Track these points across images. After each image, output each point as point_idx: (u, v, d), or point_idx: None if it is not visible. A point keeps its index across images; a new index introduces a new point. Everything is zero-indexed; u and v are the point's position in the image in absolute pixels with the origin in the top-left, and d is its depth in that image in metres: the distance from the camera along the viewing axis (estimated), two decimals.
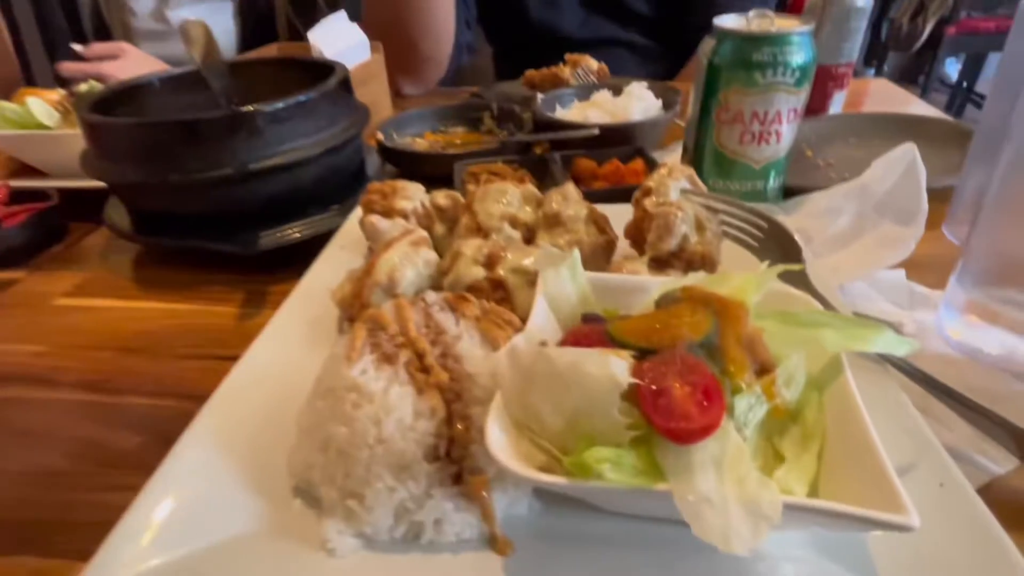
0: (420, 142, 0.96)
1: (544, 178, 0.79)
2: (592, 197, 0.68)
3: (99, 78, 1.32)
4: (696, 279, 0.39)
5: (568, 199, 0.54)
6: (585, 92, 0.95)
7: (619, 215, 0.57)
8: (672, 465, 0.27)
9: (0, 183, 0.82)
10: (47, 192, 0.82)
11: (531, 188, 0.57)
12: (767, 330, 0.33)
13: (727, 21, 0.62)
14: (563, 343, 0.35)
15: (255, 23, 1.57)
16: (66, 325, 0.61)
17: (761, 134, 0.61)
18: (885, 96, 1.19)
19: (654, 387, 0.28)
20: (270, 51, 1.10)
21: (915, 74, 4.47)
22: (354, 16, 1.36)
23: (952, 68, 4.39)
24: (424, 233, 0.51)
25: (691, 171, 0.54)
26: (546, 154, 0.79)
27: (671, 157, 0.85)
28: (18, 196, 0.82)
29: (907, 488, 0.29)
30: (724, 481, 0.26)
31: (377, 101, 1.08)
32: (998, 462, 0.39)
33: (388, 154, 0.86)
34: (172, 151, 0.62)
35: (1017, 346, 0.47)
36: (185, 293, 0.65)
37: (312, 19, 1.61)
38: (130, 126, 0.63)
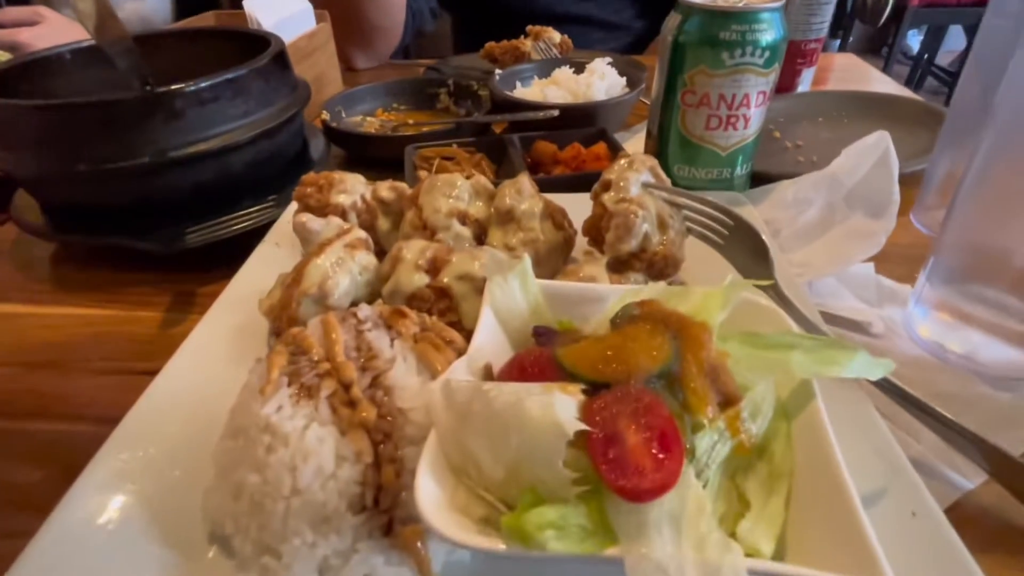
0: (371, 121, 0.89)
1: (502, 162, 0.74)
2: (550, 185, 0.64)
3: (14, 47, 1.20)
4: (656, 291, 0.35)
5: (522, 193, 0.50)
6: (546, 68, 0.89)
7: (579, 205, 0.53)
8: (624, 524, 0.23)
9: None
10: None
11: (482, 180, 0.52)
12: (732, 354, 0.30)
13: None
14: (508, 369, 0.31)
15: None
16: None
17: (728, 119, 0.57)
18: (852, 71, 1.16)
19: (604, 435, 0.24)
20: (206, 20, 1.00)
21: (878, 45, 4.50)
22: None
23: (914, 40, 4.43)
24: (361, 234, 0.46)
25: (653, 162, 0.50)
26: (504, 136, 0.74)
27: (636, 139, 0.81)
28: None
29: (879, 517, 0.27)
30: (682, 543, 0.23)
31: (324, 75, 1.01)
32: (967, 476, 0.38)
33: (334, 136, 0.79)
34: (79, 138, 0.55)
35: (986, 346, 0.46)
36: (103, 296, 0.59)
37: None
38: (28, 109, 0.55)
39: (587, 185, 0.65)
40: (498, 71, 0.87)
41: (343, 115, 0.88)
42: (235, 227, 0.60)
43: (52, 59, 0.70)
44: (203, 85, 0.58)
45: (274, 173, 0.67)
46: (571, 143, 0.74)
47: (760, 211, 0.58)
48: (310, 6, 0.96)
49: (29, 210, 0.64)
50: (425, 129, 0.81)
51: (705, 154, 0.60)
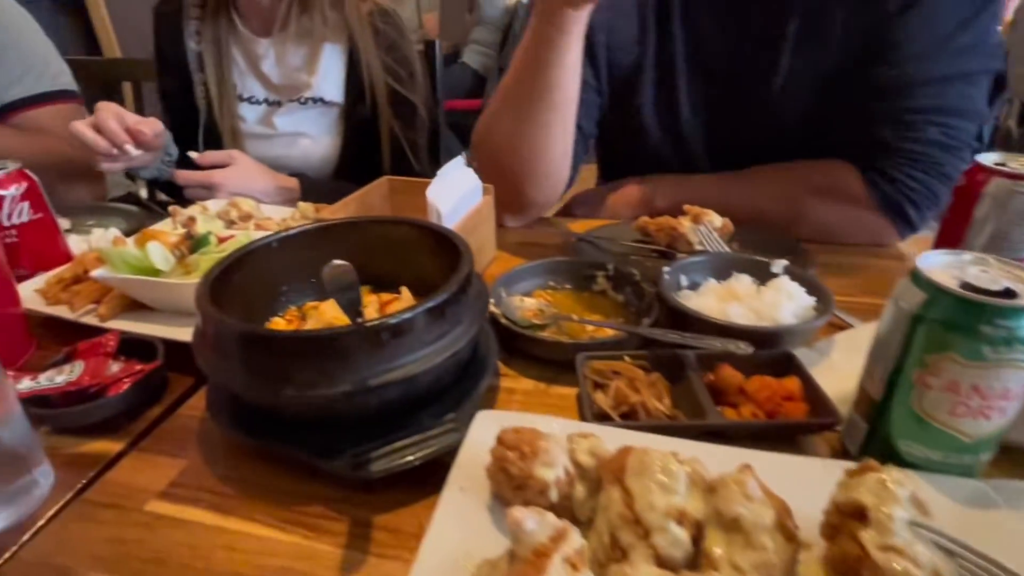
0: (529, 304, 0.89)
1: (677, 380, 0.70)
2: (744, 434, 0.59)
3: (210, 186, 1.36)
4: None
5: (750, 497, 0.44)
6: (718, 267, 0.86)
7: (784, 470, 0.48)
8: None
9: (111, 333, 0.81)
10: (153, 344, 0.80)
11: (698, 468, 0.48)
12: None
13: (932, 264, 0.53)
14: None
15: (357, 131, 1.60)
16: (157, 548, 0.56)
17: (981, 409, 0.50)
18: None
19: None
20: (381, 187, 1.08)
21: None
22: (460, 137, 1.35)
23: None
24: (578, 541, 0.43)
25: (913, 484, 0.43)
26: (681, 354, 0.71)
27: (824, 361, 0.75)
28: (125, 345, 0.81)
29: None
30: None
31: (484, 244, 1.04)
32: None
33: (501, 330, 0.80)
34: (289, 365, 0.57)
35: None
36: (284, 514, 0.59)
37: (413, 126, 1.63)
38: (245, 334, 0.59)
39: (785, 438, 0.60)
40: (665, 270, 0.85)
41: (503, 296, 0.89)
42: (416, 455, 0.59)
43: (262, 248, 0.77)
44: (407, 317, 0.59)
45: (452, 386, 0.67)
46: (756, 370, 0.69)
47: (1020, 519, 0.49)
48: (480, 183, 1.01)
49: (221, 401, 0.67)
50: (587, 319, 0.80)
51: (944, 437, 0.53)
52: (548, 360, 0.79)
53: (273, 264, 0.79)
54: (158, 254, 0.86)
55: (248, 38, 1.55)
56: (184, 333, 0.82)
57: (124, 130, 1.21)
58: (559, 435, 0.53)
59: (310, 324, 0.78)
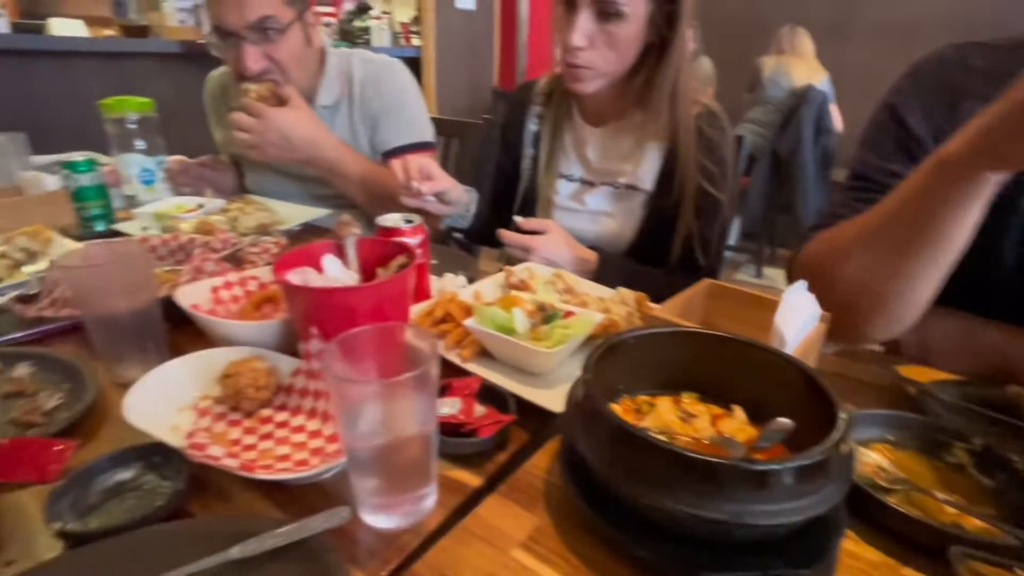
0: (867, 457, 0.83)
1: None
2: None
3: (527, 249, 1.55)
4: None
5: None
6: None
7: None
8: None
9: (475, 377, 0.97)
10: (504, 396, 0.94)
11: None
12: None
13: None
14: None
15: (656, 217, 1.69)
16: None
17: None
18: None
19: None
20: (700, 290, 1.12)
21: None
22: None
23: None
24: None
25: None
26: None
27: None
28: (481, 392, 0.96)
29: None
30: None
31: None
32: None
33: (857, 501, 0.74)
34: (673, 477, 0.62)
35: None
36: None
37: (711, 224, 1.65)
38: (637, 439, 0.65)
39: None
40: None
41: None
42: None
43: (623, 342, 0.85)
44: (796, 466, 0.60)
45: (802, 532, 0.66)
46: None
47: None
48: (818, 311, 0.98)
49: (579, 480, 0.75)
50: (951, 512, 0.71)
51: None
52: (892, 530, 0.72)
53: (624, 355, 0.87)
54: (520, 319, 1.01)
55: (580, 125, 1.76)
56: (525, 391, 0.95)
57: (418, 171, 1.50)
58: None
59: (647, 420, 0.84)
